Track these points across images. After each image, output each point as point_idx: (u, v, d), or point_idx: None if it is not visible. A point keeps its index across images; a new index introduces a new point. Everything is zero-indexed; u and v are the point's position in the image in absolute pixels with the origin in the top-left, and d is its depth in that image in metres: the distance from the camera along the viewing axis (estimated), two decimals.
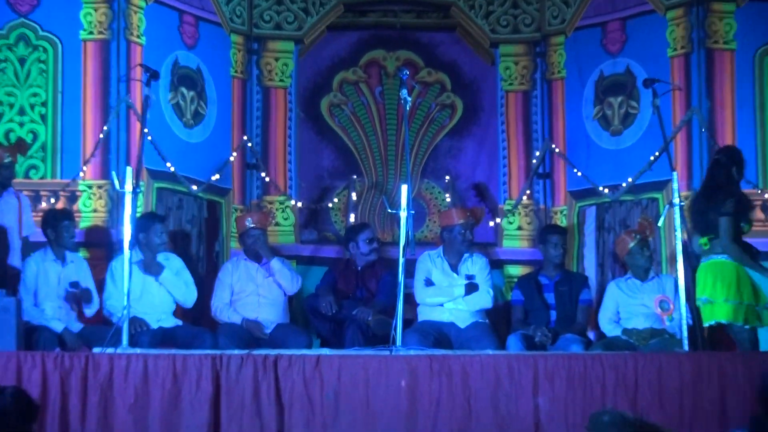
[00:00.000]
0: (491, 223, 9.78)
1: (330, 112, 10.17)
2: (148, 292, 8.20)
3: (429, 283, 8.45)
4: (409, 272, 7.96)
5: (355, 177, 10.08)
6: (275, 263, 8.68)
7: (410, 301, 8.34)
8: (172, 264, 8.37)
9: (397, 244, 6.83)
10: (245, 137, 9.68)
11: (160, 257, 8.36)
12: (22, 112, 8.59)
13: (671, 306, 7.86)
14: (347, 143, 10.17)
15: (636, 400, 6.34)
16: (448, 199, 9.82)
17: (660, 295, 8.05)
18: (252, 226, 8.65)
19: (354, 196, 9.89)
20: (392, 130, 10.14)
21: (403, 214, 6.78)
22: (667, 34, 8.99)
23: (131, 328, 7.45)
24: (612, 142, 9.45)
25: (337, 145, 10.14)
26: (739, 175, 7.41)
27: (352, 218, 9.92)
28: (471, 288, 8.42)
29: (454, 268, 8.43)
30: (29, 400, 4.73)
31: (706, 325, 7.00)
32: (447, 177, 9.92)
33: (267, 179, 9.74)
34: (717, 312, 6.94)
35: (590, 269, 9.35)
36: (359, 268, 8.87)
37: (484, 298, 8.42)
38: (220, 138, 9.57)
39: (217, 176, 9.27)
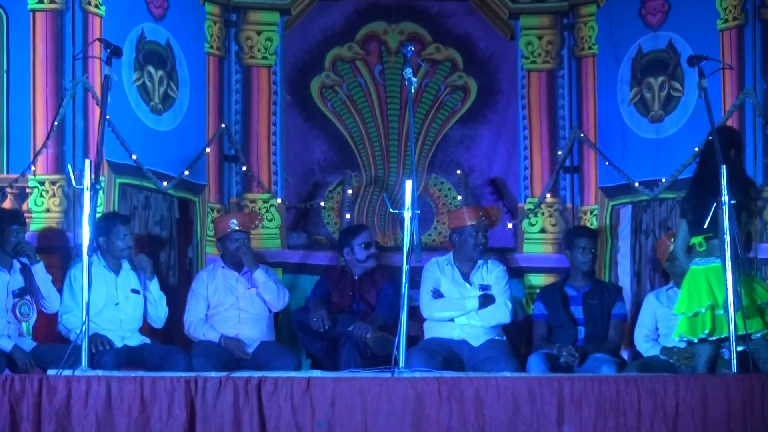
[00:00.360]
0: (509, 225, 9.78)
1: (321, 95, 10.14)
2: (112, 305, 8.25)
3: (437, 294, 8.54)
4: (415, 282, 8.01)
5: (350, 171, 10.09)
6: (259, 274, 8.75)
7: (416, 316, 8.46)
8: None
9: (400, 249, 6.88)
10: (223, 125, 9.69)
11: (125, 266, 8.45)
12: None
13: None
14: (342, 132, 10.14)
15: (676, 429, 6.38)
16: (460, 198, 9.83)
17: None
18: (236, 228, 8.72)
19: (350, 193, 9.91)
20: (394, 116, 10.10)
21: (407, 215, 6.82)
22: (717, 3, 9.05)
23: (92, 346, 7.46)
24: (651, 130, 9.46)
25: (329, 134, 10.12)
26: (738, 159, 7.42)
27: (348, 219, 9.91)
28: (486, 300, 8.53)
29: (467, 277, 8.50)
30: None
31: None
32: (458, 171, 9.91)
33: (248, 174, 9.73)
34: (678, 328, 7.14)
35: (624, 279, 9.41)
36: (356, 277, 8.94)
37: (501, 312, 8.50)
38: (194, 125, 9.55)
39: (187, 172, 9.27)
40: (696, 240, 7.08)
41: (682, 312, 7.15)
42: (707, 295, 6.96)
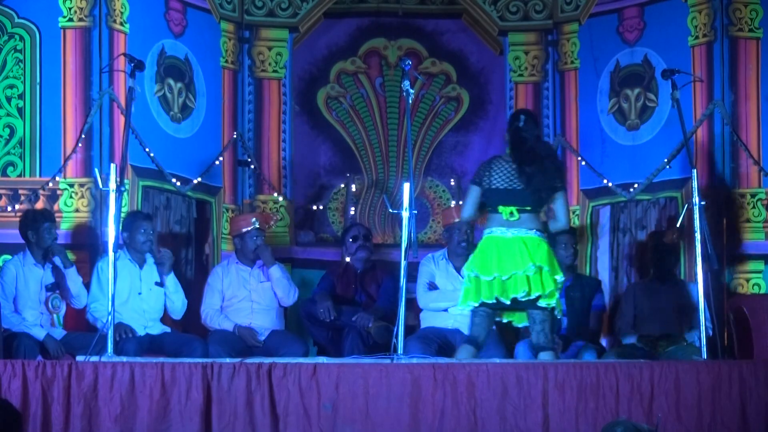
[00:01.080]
0: None
1: (327, 105, 10.14)
2: (136, 296, 8.22)
3: (432, 287, 8.47)
4: (412, 276, 7.98)
5: (353, 175, 10.10)
6: (275, 271, 8.68)
7: (413, 307, 8.36)
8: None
9: (399, 246, 6.88)
10: (236, 132, 9.67)
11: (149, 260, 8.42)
12: None
13: None
14: (345, 138, 10.15)
15: (651, 411, 6.38)
16: (453, 204, 9.74)
17: None
18: (257, 226, 8.69)
19: (353, 195, 9.96)
20: (394, 124, 10.10)
21: (405, 215, 6.80)
22: (688, 21, 8.97)
23: (116, 334, 7.46)
24: (628, 137, 9.41)
25: (334, 141, 10.13)
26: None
27: (351, 217, 9.96)
28: None
29: (459, 271, 8.33)
30: (14, 411, 4.73)
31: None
32: (452, 180, 9.97)
33: (260, 176, 9.73)
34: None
35: (603, 273, 9.33)
36: (358, 271, 8.87)
37: None
38: (210, 133, 9.53)
39: (198, 179, 9.23)
40: (506, 209, 7.07)
41: (471, 273, 7.17)
42: (497, 265, 6.99)
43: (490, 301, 7.10)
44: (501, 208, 7.20)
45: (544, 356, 6.93)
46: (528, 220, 7.14)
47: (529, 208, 7.18)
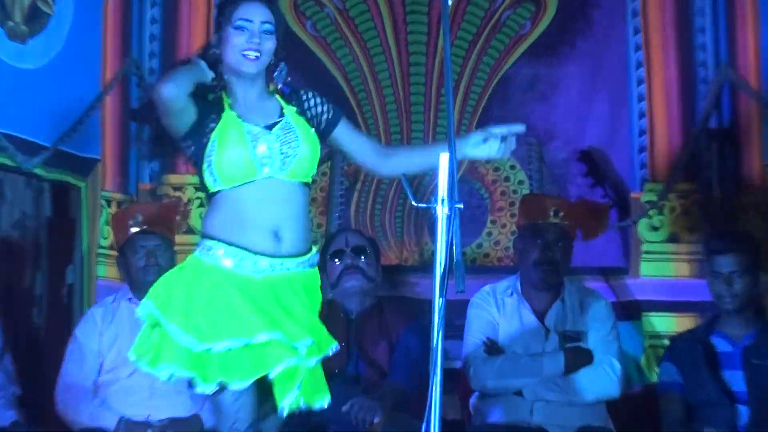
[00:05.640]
0: (616, 228, 8.03)
1: (297, 12, 8.30)
2: None
3: (493, 347, 6.84)
4: (455, 326, 6.77)
5: None
6: None
7: (458, 385, 7.04)
8: None
9: (428, 270, 5.13)
10: (129, 60, 7.99)
11: None
12: None
13: None
14: (329, 69, 8.30)
15: None
16: (527, 184, 8.22)
17: None
18: (141, 228, 7.09)
19: (344, 175, 8.30)
20: (419, 45, 8.23)
21: (441, 211, 5.03)
22: None
23: None
24: None
25: (310, 75, 8.22)
26: None
27: (337, 220, 8.37)
28: (577, 358, 6.76)
29: (542, 316, 6.81)
30: None
31: None
32: (529, 146, 8.21)
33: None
34: None
35: None
36: (351, 316, 7.12)
37: (602, 379, 6.83)
38: (80, 61, 7.81)
39: (56, 146, 7.48)
40: None
41: None
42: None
43: None
44: None
45: None
46: None
47: None
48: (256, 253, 4.88)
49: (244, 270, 4.92)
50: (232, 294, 4.97)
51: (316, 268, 5.21)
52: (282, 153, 5.06)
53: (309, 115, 5.13)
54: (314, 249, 5.18)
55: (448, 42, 5.05)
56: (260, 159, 5.04)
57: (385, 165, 5.30)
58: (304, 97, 5.16)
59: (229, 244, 4.91)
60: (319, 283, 5.20)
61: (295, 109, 5.11)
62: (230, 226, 4.93)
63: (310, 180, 5.10)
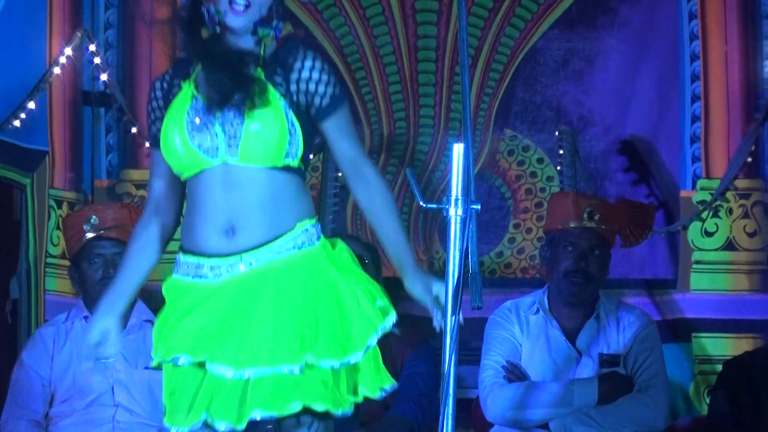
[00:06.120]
0: (663, 233, 7.67)
1: None
2: None
3: (515, 373, 6.76)
4: (469, 349, 6.83)
5: None
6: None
7: (473, 417, 7.04)
8: None
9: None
10: (81, 31, 7.48)
11: None
12: None
13: None
14: (322, 44, 7.94)
15: None
16: (557, 180, 7.78)
17: None
18: (97, 233, 6.81)
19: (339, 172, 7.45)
20: (428, 14, 7.77)
21: (455, 213, 4.72)
22: None
23: None
24: None
25: None
26: None
27: (330, 224, 7.79)
28: (613, 385, 6.61)
29: (573, 337, 6.73)
30: None
31: None
32: (559, 135, 7.65)
33: (134, 130, 7.51)
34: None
35: None
36: None
37: (644, 411, 6.76)
38: (20, 33, 7.46)
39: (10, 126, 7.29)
40: None
41: None
42: None
43: None
44: None
45: None
46: None
47: None
48: (210, 255, 4.28)
49: (202, 278, 4.35)
50: (183, 315, 4.35)
51: (317, 245, 4.54)
52: (225, 133, 4.30)
53: (295, 88, 4.29)
54: (299, 226, 4.49)
55: (463, 9, 4.69)
56: (198, 142, 4.34)
57: (353, 188, 4.50)
58: (298, 65, 4.32)
59: (185, 250, 4.33)
60: (321, 262, 4.45)
61: (264, 72, 4.27)
62: (185, 227, 4.34)
63: (282, 164, 4.35)
